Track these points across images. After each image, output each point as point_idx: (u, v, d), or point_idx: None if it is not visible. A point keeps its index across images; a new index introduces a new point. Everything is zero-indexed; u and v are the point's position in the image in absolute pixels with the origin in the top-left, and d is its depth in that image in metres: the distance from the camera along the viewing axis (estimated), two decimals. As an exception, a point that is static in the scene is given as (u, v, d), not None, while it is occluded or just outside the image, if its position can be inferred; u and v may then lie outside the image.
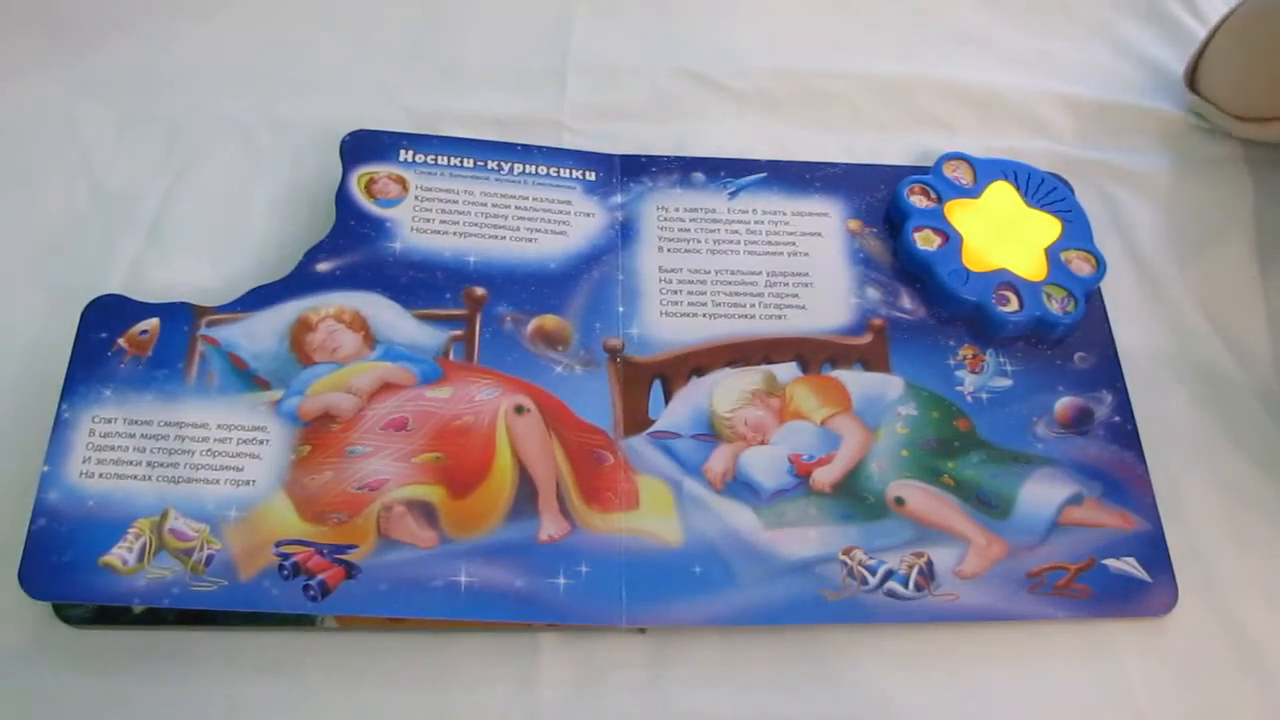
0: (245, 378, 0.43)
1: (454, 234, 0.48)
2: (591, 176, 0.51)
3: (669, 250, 0.49)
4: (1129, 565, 0.43)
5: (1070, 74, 0.59)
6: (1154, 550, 0.43)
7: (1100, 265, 0.50)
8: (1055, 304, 0.48)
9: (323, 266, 0.46)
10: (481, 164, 0.51)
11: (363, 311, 0.45)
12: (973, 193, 0.52)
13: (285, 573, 0.39)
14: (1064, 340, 0.48)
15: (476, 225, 0.49)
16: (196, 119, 0.53)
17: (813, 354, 0.47)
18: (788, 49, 0.59)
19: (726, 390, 0.46)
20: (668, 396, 0.45)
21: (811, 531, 0.42)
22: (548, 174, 0.51)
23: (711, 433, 0.44)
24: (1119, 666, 0.42)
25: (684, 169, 0.52)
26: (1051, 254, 0.50)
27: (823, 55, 0.59)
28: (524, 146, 0.52)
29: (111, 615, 0.40)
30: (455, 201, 0.49)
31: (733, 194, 0.51)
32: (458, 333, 0.45)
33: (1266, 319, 0.51)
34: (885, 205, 0.52)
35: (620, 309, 0.47)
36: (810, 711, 0.40)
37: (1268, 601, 0.43)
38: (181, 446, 0.41)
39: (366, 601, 0.39)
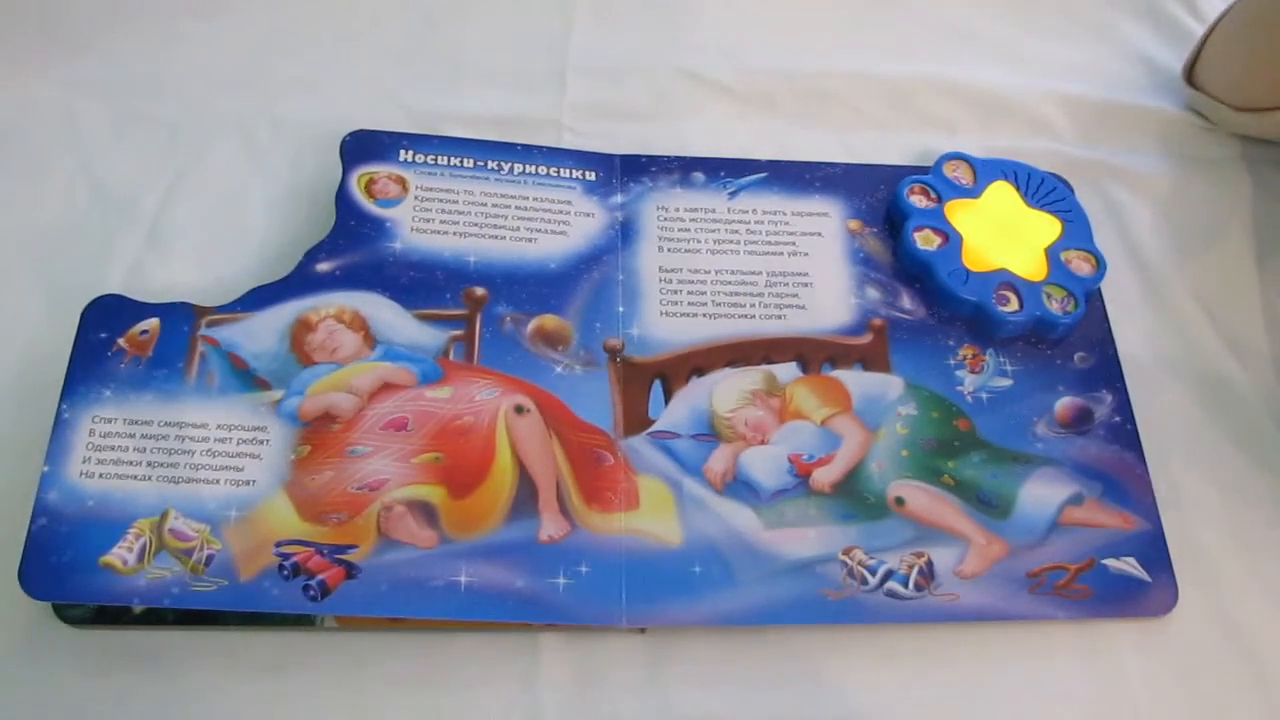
0: (245, 378, 0.43)
1: (454, 234, 0.48)
2: (591, 176, 0.51)
3: (669, 250, 0.49)
4: (1129, 565, 0.43)
5: (1070, 74, 0.59)
6: (1154, 550, 0.43)
7: (1100, 265, 0.50)
8: (1055, 304, 0.48)
9: (323, 266, 0.46)
10: (481, 164, 0.51)
11: (363, 311, 0.45)
12: (973, 193, 0.52)
13: (285, 573, 0.39)
14: (1064, 340, 0.48)
15: (476, 225, 0.49)
16: (196, 119, 0.53)
17: (813, 354, 0.47)
18: (788, 49, 0.59)
19: (726, 390, 0.46)
20: (668, 396, 0.45)
21: (811, 531, 0.42)
22: (548, 174, 0.51)
23: (711, 433, 0.44)
24: (1119, 666, 0.42)
25: (684, 169, 0.52)
26: (1051, 254, 0.50)
27: (823, 55, 0.59)
28: (524, 146, 0.52)
29: (111, 615, 0.40)
30: (455, 201, 0.49)
31: (733, 194, 0.51)
32: (458, 333, 0.45)
33: (1267, 319, 0.51)
34: (885, 205, 0.52)
35: (620, 309, 0.47)
36: (810, 711, 0.40)
37: (1268, 601, 0.43)
38: (181, 446, 0.41)
39: (366, 601, 0.39)
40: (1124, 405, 0.47)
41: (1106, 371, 0.47)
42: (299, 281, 0.46)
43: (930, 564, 0.42)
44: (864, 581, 0.41)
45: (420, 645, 0.41)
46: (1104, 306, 0.50)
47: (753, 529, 0.42)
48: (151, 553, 0.39)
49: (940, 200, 0.51)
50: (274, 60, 0.56)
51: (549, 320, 0.46)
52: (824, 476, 0.44)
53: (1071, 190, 0.52)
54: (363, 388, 0.43)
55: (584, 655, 0.41)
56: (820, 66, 0.58)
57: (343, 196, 0.48)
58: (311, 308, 0.45)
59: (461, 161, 0.50)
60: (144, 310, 0.44)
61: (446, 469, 0.42)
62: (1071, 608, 0.41)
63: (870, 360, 0.47)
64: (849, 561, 0.42)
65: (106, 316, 0.44)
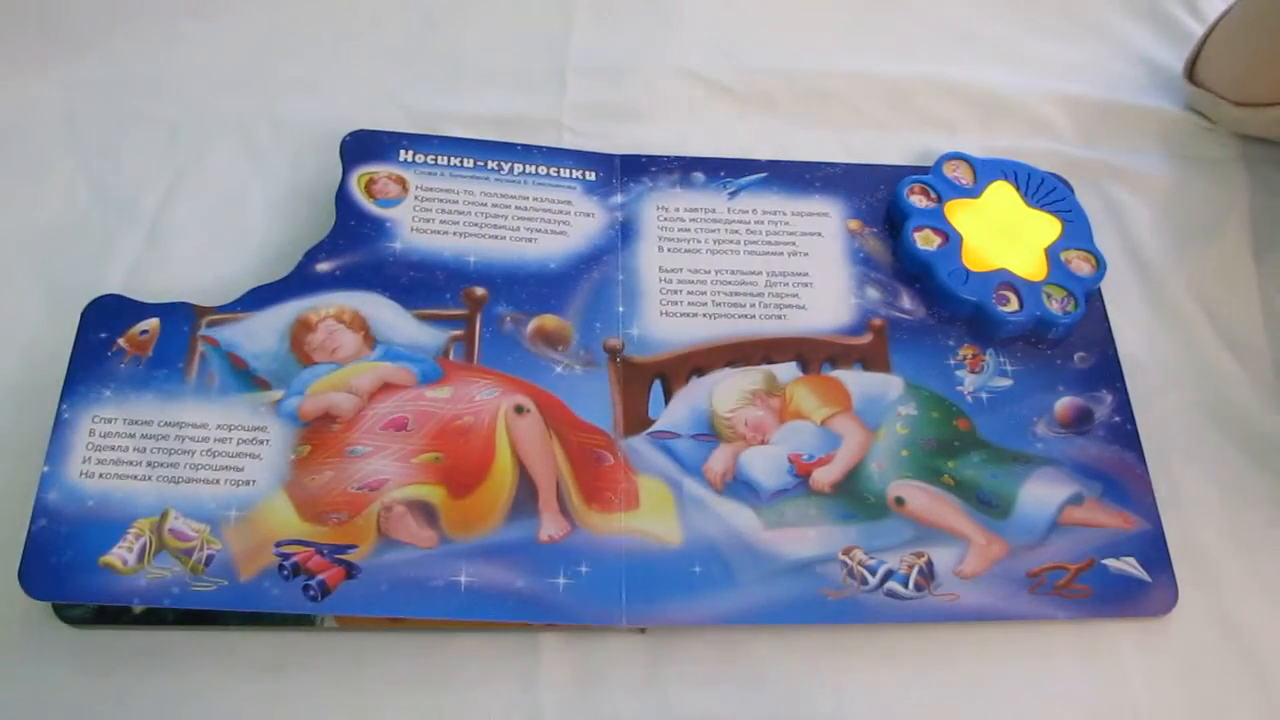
0: (245, 378, 0.43)
1: (454, 234, 0.48)
2: (591, 176, 0.51)
3: (669, 250, 0.49)
4: (1129, 565, 0.43)
5: (1070, 74, 0.59)
6: (1154, 550, 0.43)
7: (1100, 265, 0.50)
8: (1055, 304, 0.48)
9: (323, 266, 0.46)
10: (481, 164, 0.51)
11: (363, 311, 0.45)
12: (973, 193, 0.52)
13: (285, 573, 0.39)
14: (1064, 340, 0.48)
15: (476, 225, 0.49)
16: (196, 119, 0.53)
17: (813, 354, 0.47)
18: (788, 49, 0.59)
19: (726, 390, 0.46)
20: (668, 396, 0.45)
21: (811, 531, 0.42)
22: (548, 174, 0.51)
23: (711, 433, 0.44)
24: (1119, 666, 0.42)
25: (684, 169, 0.52)
26: (1051, 254, 0.50)
27: (823, 55, 0.59)
28: (524, 146, 0.52)
29: (111, 615, 0.40)
30: (455, 201, 0.49)
31: (733, 194, 0.51)
32: (458, 333, 0.45)
33: (1267, 318, 0.51)
34: (885, 205, 0.52)
35: (620, 309, 0.47)
36: (810, 711, 0.40)
37: (1268, 601, 0.43)
38: (181, 446, 0.41)
39: (366, 601, 0.39)
40: (1124, 405, 0.47)
41: (1106, 371, 0.47)
42: (299, 281, 0.46)
43: (930, 564, 0.42)
44: (864, 581, 0.41)
45: (420, 645, 0.41)
46: (1104, 306, 0.50)
47: (753, 529, 0.42)
48: (151, 553, 0.39)
49: (940, 200, 0.51)
50: (274, 60, 0.56)
51: (549, 320, 0.46)
52: (824, 476, 0.44)
53: (1071, 190, 0.52)
54: (363, 388, 0.43)
55: (584, 655, 0.41)
56: (820, 66, 0.58)
57: (343, 196, 0.48)
58: (311, 308, 0.45)
59: (461, 161, 0.50)
60: (144, 310, 0.44)
61: (446, 469, 0.42)
62: (1071, 608, 0.41)
63: (870, 360, 0.47)
64: (849, 561, 0.42)
65: (106, 316, 0.44)
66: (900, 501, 0.43)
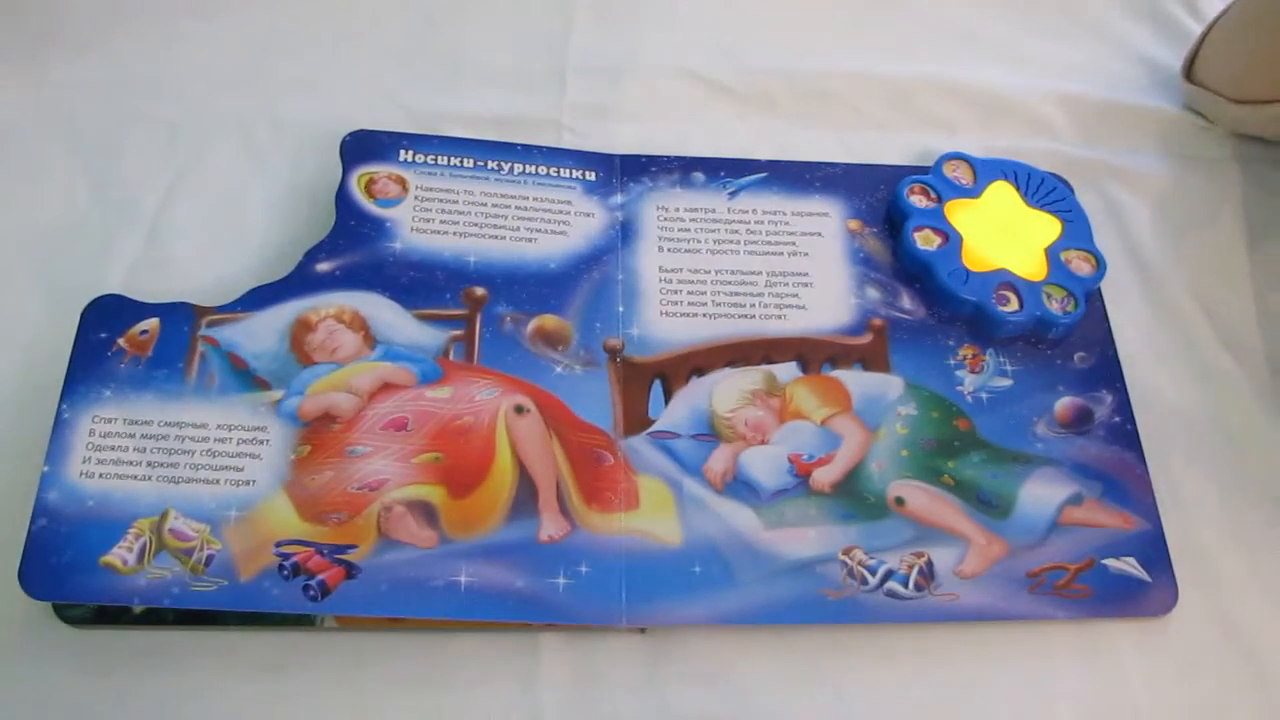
0: (245, 378, 0.43)
1: (454, 234, 0.48)
2: (591, 176, 0.51)
3: (669, 250, 0.49)
4: (1129, 565, 0.43)
5: (1070, 74, 0.59)
6: (1154, 550, 0.43)
7: (1100, 265, 0.50)
8: (1055, 304, 0.48)
9: (323, 266, 0.46)
10: (481, 164, 0.51)
11: (363, 311, 0.45)
12: (973, 193, 0.52)
13: (285, 573, 0.39)
14: (1064, 340, 0.48)
15: (476, 225, 0.49)
16: (196, 119, 0.53)
17: (813, 354, 0.47)
18: (788, 49, 0.59)
19: (726, 390, 0.46)
20: (668, 396, 0.45)
21: (811, 531, 0.42)
22: (548, 174, 0.51)
23: (711, 433, 0.44)
24: (1119, 666, 0.42)
25: (684, 169, 0.52)
26: (1051, 254, 0.50)
27: (823, 55, 0.59)
28: (524, 146, 0.52)
29: (111, 615, 0.40)
30: (455, 201, 0.49)
31: (733, 194, 0.51)
32: (458, 333, 0.45)
33: (1267, 319, 0.51)
34: (885, 205, 0.52)
35: (620, 309, 0.47)
36: (810, 711, 0.40)
37: (1268, 601, 0.43)
38: (181, 446, 0.41)
39: (366, 601, 0.39)
40: (1124, 405, 0.47)
41: (1106, 371, 0.47)
42: (299, 281, 0.46)
43: (930, 564, 0.42)
44: (864, 581, 0.41)
45: (420, 645, 0.41)
46: (1104, 306, 0.50)
47: (753, 529, 0.42)
48: (151, 553, 0.39)
49: (940, 200, 0.51)
50: (274, 60, 0.56)
51: (549, 320, 0.46)
52: (824, 476, 0.44)
53: (1071, 190, 0.52)
54: (363, 388, 0.43)
55: (584, 655, 0.41)
56: (820, 66, 0.58)
57: (343, 196, 0.48)
58: (311, 308, 0.45)
59: (461, 161, 0.50)
60: (144, 310, 0.44)
61: (446, 469, 0.42)
62: (1071, 608, 0.41)
63: (870, 360, 0.47)
64: (849, 561, 0.42)
65: (106, 316, 0.44)
66: (900, 501, 0.43)
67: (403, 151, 0.50)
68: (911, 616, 0.41)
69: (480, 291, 0.46)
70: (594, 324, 0.46)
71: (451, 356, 0.45)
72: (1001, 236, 0.50)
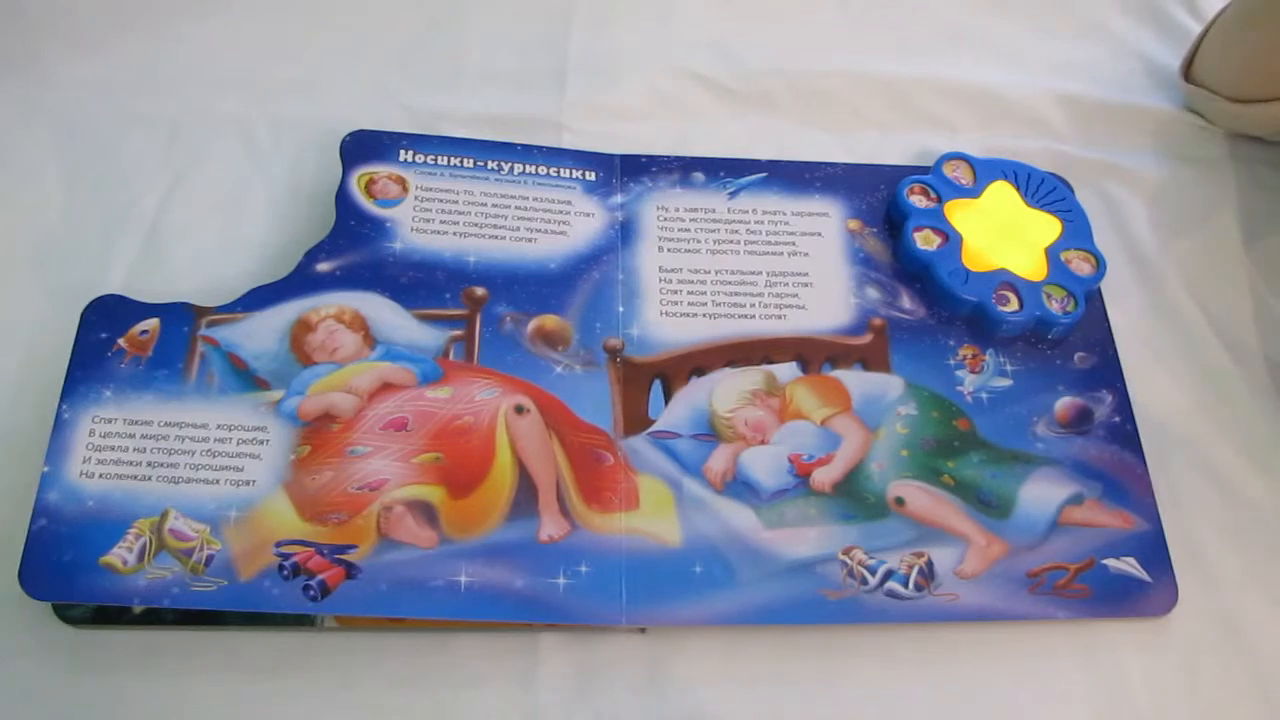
0: (245, 378, 0.43)
1: (454, 234, 0.48)
2: (591, 176, 0.51)
3: (669, 250, 0.49)
4: (1129, 565, 0.43)
5: (1070, 73, 0.59)
6: (1154, 550, 0.43)
7: (1100, 265, 0.50)
8: (1055, 304, 0.48)
9: (323, 266, 0.46)
10: (481, 164, 0.51)
11: (363, 311, 0.45)
12: (973, 193, 0.52)
13: (285, 573, 0.39)
14: (1064, 340, 0.48)
15: (476, 225, 0.49)
16: (196, 119, 0.53)
17: (813, 354, 0.47)
18: (788, 49, 0.59)
19: (726, 390, 0.46)
20: (668, 396, 0.45)
21: (811, 531, 0.42)
22: (548, 174, 0.51)
23: (711, 433, 0.44)
24: (1119, 666, 0.42)
25: (684, 169, 0.52)
26: (1051, 254, 0.50)
27: (823, 55, 0.59)
28: (524, 146, 0.52)
29: (111, 615, 0.40)
30: (455, 201, 0.49)
31: (733, 194, 0.51)
32: (458, 333, 0.45)
33: (1266, 319, 0.51)
34: (885, 205, 0.52)
35: (620, 309, 0.47)
36: (810, 711, 0.40)
37: (1268, 601, 0.43)
38: (181, 446, 0.41)
39: (366, 601, 0.39)
40: (1124, 405, 0.47)
41: (1106, 371, 0.47)
42: (299, 281, 0.46)
43: (930, 564, 0.42)
44: (864, 581, 0.41)
45: (420, 645, 0.41)
46: (1104, 306, 0.50)
47: (753, 529, 0.42)
48: (151, 553, 0.39)
49: (940, 200, 0.51)
50: (274, 60, 0.56)
51: (549, 320, 0.46)
52: (824, 476, 0.44)
53: (1071, 190, 0.52)
54: (363, 388, 0.43)
55: (584, 655, 0.41)
56: (820, 66, 0.58)
57: (343, 196, 0.48)
58: (311, 308, 0.45)
59: (461, 161, 0.50)
60: (144, 310, 0.44)
61: (446, 469, 0.42)
62: (1071, 608, 0.41)
63: (870, 360, 0.47)
64: (849, 561, 0.42)
65: (106, 316, 0.44)
66: (900, 501, 0.43)
67: (403, 151, 0.50)
68: (911, 616, 0.41)
69: (480, 291, 0.46)
70: (594, 324, 0.46)
71: (451, 356, 0.45)
72: (1001, 236, 0.50)
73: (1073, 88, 0.58)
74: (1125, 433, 0.46)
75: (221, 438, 0.41)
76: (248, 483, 0.41)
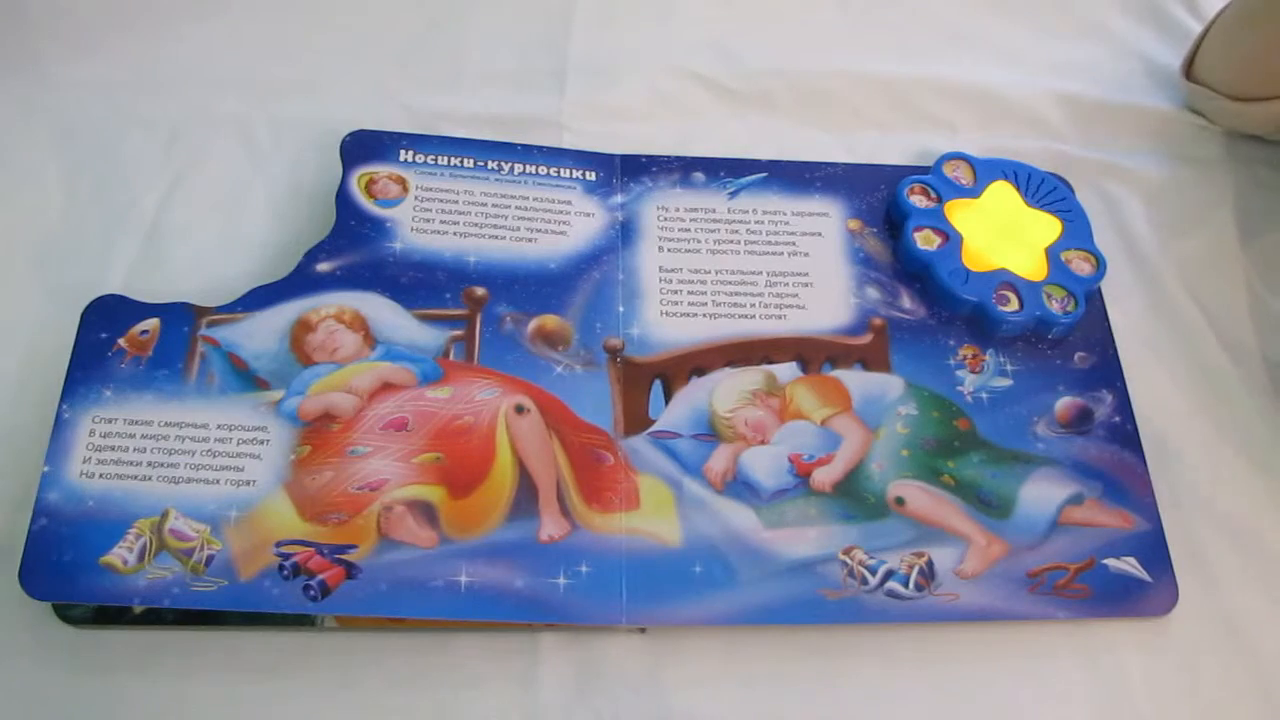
0: (245, 378, 0.43)
1: (454, 234, 0.48)
2: (591, 176, 0.51)
3: (669, 250, 0.49)
4: (1129, 565, 0.43)
5: (1070, 73, 0.59)
6: (1154, 550, 0.43)
7: (1100, 265, 0.50)
8: (1055, 304, 0.48)
9: (323, 266, 0.46)
10: (481, 164, 0.51)
11: (363, 311, 0.45)
12: (973, 193, 0.52)
13: (285, 573, 0.39)
14: (1064, 340, 0.48)
15: (476, 225, 0.49)
16: (196, 119, 0.53)
17: (813, 354, 0.47)
18: (788, 49, 0.59)
19: (726, 390, 0.46)
20: (668, 396, 0.45)
21: (811, 531, 0.42)
22: (548, 174, 0.51)
23: (711, 433, 0.44)
24: (1119, 666, 0.42)
25: (684, 169, 0.52)
26: (1052, 254, 0.50)
27: (823, 55, 0.59)
28: (524, 146, 0.52)
29: (111, 615, 0.40)
30: (455, 201, 0.49)
31: (733, 194, 0.51)
32: (458, 333, 0.45)
33: (1266, 319, 0.51)
34: (885, 205, 0.52)
35: (620, 309, 0.47)
36: (810, 711, 0.40)
37: (1268, 601, 0.43)
38: (181, 446, 0.41)
39: (366, 601, 0.39)
40: (1124, 405, 0.47)
41: (1106, 371, 0.47)
42: (299, 281, 0.46)
43: (930, 564, 0.42)
44: (864, 581, 0.41)
45: (420, 645, 0.41)
46: (1104, 306, 0.50)
47: (753, 529, 0.42)
48: (152, 553, 0.39)
49: (940, 200, 0.51)
50: (274, 60, 0.56)
51: (549, 320, 0.46)
52: (824, 476, 0.44)
53: (1072, 190, 0.52)
54: (363, 388, 0.43)
55: (584, 655, 0.41)
56: (820, 66, 0.58)
57: (343, 196, 0.48)
58: (311, 308, 0.45)
59: (461, 161, 0.50)
60: (144, 310, 0.44)
61: (446, 469, 0.42)
62: (1071, 608, 0.41)
63: (870, 360, 0.47)
64: (849, 561, 0.42)
65: (106, 316, 0.44)
66: (900, 501, 0.43)
67: (403, 151, 0.50)
68: (911, 616, 0.41)
69: (480, 291, 0.46)
70: (594, 324, 0.46)
71: (451, 356, 0.45)
72: (1001, 236, 0.50)
73: (1073, 88, 0.58)
74: (1125, 432, 0.46)
75: (222, 438, 0.41)
76: (248, 483, 0.41)
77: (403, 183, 0.49)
